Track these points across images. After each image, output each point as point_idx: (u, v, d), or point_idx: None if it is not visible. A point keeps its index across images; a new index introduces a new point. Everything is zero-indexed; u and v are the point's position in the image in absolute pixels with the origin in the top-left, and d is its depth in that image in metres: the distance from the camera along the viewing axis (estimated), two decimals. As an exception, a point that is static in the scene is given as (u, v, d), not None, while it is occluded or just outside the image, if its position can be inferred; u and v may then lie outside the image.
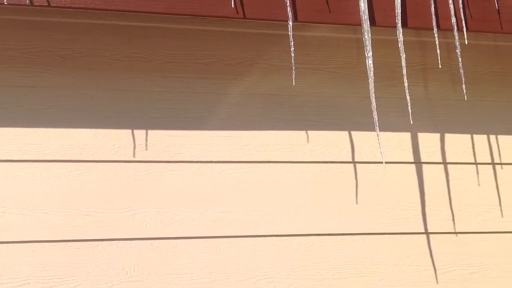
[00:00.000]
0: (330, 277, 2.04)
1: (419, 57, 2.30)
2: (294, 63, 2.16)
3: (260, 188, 2.08)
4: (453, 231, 2.15)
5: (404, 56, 2.03)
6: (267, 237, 2.03)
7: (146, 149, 2.00)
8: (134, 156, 1.99)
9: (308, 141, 2.16)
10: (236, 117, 2.11)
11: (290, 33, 1.94)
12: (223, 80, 2.13)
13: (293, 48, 1.95)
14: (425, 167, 2.21)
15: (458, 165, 2.23)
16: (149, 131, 2.02)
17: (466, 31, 2.06)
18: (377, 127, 1.98)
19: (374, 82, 2.22)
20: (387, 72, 2.25)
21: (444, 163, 2.23)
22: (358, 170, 2.17)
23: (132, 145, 2.00)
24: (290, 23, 1.93)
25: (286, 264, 2.02)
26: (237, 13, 1.90)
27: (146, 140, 2.01)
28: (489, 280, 2.11)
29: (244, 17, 1.92)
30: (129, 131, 2.00)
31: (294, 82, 1.98)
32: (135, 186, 1.97)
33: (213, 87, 2.12)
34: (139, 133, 2.01)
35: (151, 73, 2.06)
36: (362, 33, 1.99)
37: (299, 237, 2.06)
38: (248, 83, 2.16)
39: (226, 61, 2.15)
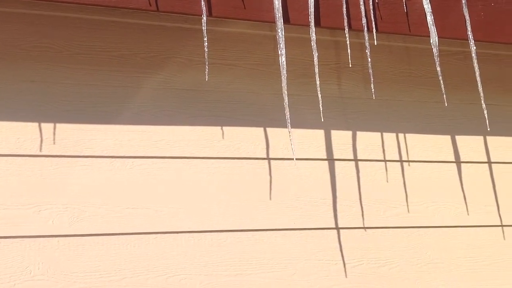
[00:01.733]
0: (243, 273, 2.05)
1: (333, 56, 2.35)
2: (210, 58, 2.16)
3: (173, 184, 2.05)
4: (362, 226, 2.21)
5: (317, 54, 2.07)
6: (179, 234, 2.01)
7: (54, 143, 1.93)
8: (40, 150, 1.91)
9: (223, 137, 2.16)
10: (150, 111, 2.08)
11: (204, 28, 1.93)
12: (137, 73, 2.09)
13: (206, 43, 1.94)
14: (337, 163, 2.26)
15: (368, 162, 2.30)
16: (58, 125, 1.95)
17: (376, 32, 2.12)
18: (289, 124, 2.01)
19: (290, 79, 2.25)
20: (302, 70, 2.29)
21: (355, 160, 2.29)
22: (272, 167, 2.19)
23: (39, 139, 1.92)
24: (204, 18, 1.92)
25: (198, 260, 2.01)
26: (150, 5, 1.87)
27: (54, 133, 1.94)
28: (396, 274, 2.19)
29: (158, 10, 1.89)
30: (36, 124, 1.92)
31: (207, 77, 1.97)
32: (41, 181, 1.90)
33: (126, 81, 2.07)
34: (47, 126, 1.94)
35: (62, 64, 1.99)
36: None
37: (212, 233, 2.05)
38: (163, 77, 2.13)
39: (140, 54, 2.11)
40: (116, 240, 1.94)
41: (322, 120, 2.12)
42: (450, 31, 2.21)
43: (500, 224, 2.35)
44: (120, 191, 1.98)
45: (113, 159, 2.00)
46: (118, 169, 1.99)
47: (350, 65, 2.19)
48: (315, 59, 2.08)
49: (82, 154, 1.96)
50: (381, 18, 2.14)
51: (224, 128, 2.16)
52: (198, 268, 2.01)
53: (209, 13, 1.94)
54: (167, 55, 2.15)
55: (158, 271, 1.96)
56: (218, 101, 2.18)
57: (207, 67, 1.95)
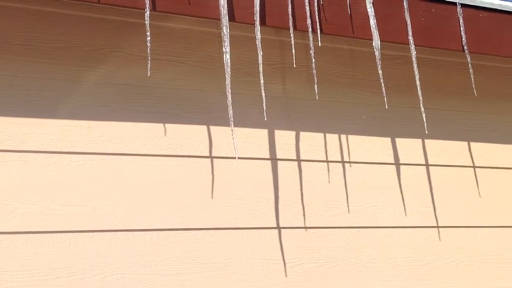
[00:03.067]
0: (183, 272, 2.02)
1: (278, 56, 2.36)
2: (154, 54, 2.14)
3: (112, 181, 2.00)
4: (304, 226, 2.22)
5: (261, 53, 2.07)
6: (117, 232, 1.97)
7: (-14, 137, 1.85)
8: (-29, 144, 1.83)
9: (165, 134, 2.12)
10: (90, 106, 2.02)
11: (147, 22, 1.89)
12: (77, 67, 2.03)
13: (149, 38, 1.91)
14: (280, 163, 2.26)
15: (311, 162, 2.31)
16: (-9, 118, 1.87)
17: (320, 33, 2.14)
18: (232, 123, 2.00)
19: (234, 78, 2.24)
20: (247, 68, 2.28)
21: (298, 160, 2.30)
22: (215, 165, 2.17)
23: (-30, 132, 1.83)
24: (147, 12, 1.89)
25: (137, 259, 1.97)
26: (91, -4, 1.82)
27: (-13, 127, 1.86)
28: (335, 273, 2.21)
29: (99, 2, 1.85)
30: (-33, 116, 1.84)
31: (149, 72, 1.93)
32: (-29, 176, 1.82)
33: (66, 74, 2.01)
34: (-21, 119, 1.85)
35: (0, 55, 1.91)
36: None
37: (152, 232, 2.01)
38: (105, 71, 2.08)
39: (82, 47, 2.05)
40: (51, 238, 1.88)
41: (266, 119, 2.13)
42: (392, 35, 2.25)
43: (436, 225, 2.41)
44: (56, 187, 1.92)
45: (49, 154, 1.93)
46: (54, 165, 1.93)
47: (295, 65, 2.21)
48: (260, 58, 2.08)
49: (16, 149, 1.89)
50: (325, 20, 2.16)
51: (166, 125, 2.13)
52: (137, 267, 1.96)
53: (153, 7, 1.91)
54: (109, 49, 2.09)
55: (95, 270, 1.90)
56: (161, 97, 2.15)
57: (149, 62, 1.92)
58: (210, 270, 2.06)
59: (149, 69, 1.92)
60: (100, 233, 1.94)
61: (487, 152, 2.58)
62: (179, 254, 2.03)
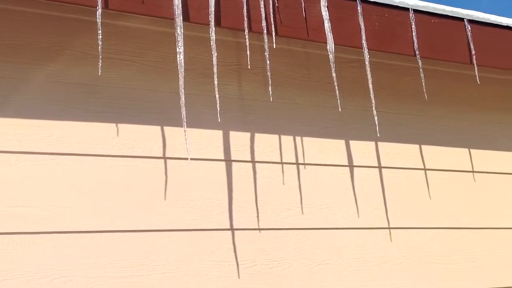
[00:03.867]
0: (133, 275, 1.99)
1: (234, 57, 2.36)
2: (107, 53, 2.11)
3: (62, 182, 1.96)
4: (257, 227, 2.22)
5: (216, 54, 2.07)
6: (66, 234, 1.92)
7: None
8: None
9: (117, 135, 2.09)
10: (39, 105, 1.98)
11: (99, 21, 1.86)
12: (27, 64, 1.99)
13: (101, 37, 1.88)
14: (234, 164, 2.26)
15: (266, 164, 2.32)
16: None
17: (275, 35, 2.15)
18: (185, 123, 1.99)
19: (190, 78, 2.23)
20: (203, 69, 2.27)
21: (253, 161, 2.30)
22: (168, 166, 2.15)
23: None
24: (99, 10, 1.85)
25: (86, 262, 1.93)
26: (42, -7, 1.78)
27: None
28: (288, 274, 2.22)
29: (50, -1, 1.81)
30: None
31: (100, 71, 1.90)
32: None
33: (15, 72, 1.96)
34: None
35: None
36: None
37: (102, 234, 1.98)
38: (56, 69, 2.03)
39: (32, 44, 2.01)
40: (-4, 240, 1.83)
41: (219, 120, 2.12)
42: (346, 39, 2.28)
43: (388, 226, 2.45)
44: (3, 188, 1.86)
45: (-4, 154, 1.88)
46: (1, 165, 1.88)
47: (249, 67, 2.21)
48: (214, 59, 2.07)
49: (-40, 148, 1.83)
50: (281, 22, 2.17)
51: (119, 125, 2.10)
52: (86, 270, 1.93)
53: (105, 6, 1.88)
54: (60, 47, 2.05)
55: (42, 272, 1.86)
56: (113, 97, 2.11)
57: (100, 61, 1.89)
58: (161, 272, 2.03)
59: (99, 68, 1.89)
60: (48, 234, 1.90)
61: (437, 155, 2.64)
62: (129, 256, 2.00)
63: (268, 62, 2.16)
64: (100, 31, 1.89)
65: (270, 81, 2.17)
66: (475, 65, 2.46)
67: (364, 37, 2.28)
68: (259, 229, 2.23)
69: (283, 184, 2.32)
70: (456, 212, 2.60)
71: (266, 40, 2.13)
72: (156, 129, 2.16)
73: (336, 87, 2.26)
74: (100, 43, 1.88)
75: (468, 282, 2.52)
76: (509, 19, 2.59)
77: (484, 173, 2.71)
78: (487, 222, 2.65)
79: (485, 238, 2.62)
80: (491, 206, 2.68)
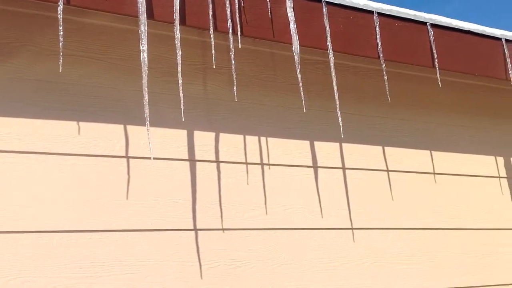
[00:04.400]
0: (93, 275, 1.96)
1: (200, 56, 2.34)
2: (70, 50, 2.08)
3: (21, 181, 1.92)
4: (221, 227, 2.21)
5: (180, 53, 2.05)
6: (24, 234, 1.88)
7: None
8: None
9: (79, 133, 2.05)
10: (-2, 101, 1.93)
11: (60, 16, 1.83)
12: (-15, 60, 1.93)
13: (62, 33, 1.85)
14: (198, 164, 2.24)
15: (230, 164, 2.31)
16: None
17: (241, 35, 2.15)
18: (148, 122, 1.97)
19: (154, 77, 2.21)
20: (168, 68, 2.25)
21: (217, 161, 2.29)
22: (131, 165, 2.12)
23: None
24: (61, 5, 1.82)
25: (44, 262, 1.89)
26: (1, -13, 1.73)
27: None
28: (251, 275, 2.22)
29: (9, -7, 1.76)
30: None
31: (61, 68, 1.87)
32: None
33: (-28, 67, 1.91)
34: None
35: None
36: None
37: (62, 234, 1.94)
38: (15, 66, 1.99)
39: (-10, 40, 1.95)
40: (-50, 240, 1.77)
41: (183, 119, 2.10)
42: (312, 40, 2.29)
43: (351, 227, 2.47)
44: (-42, 186, 1.81)
45: (-49, 151, 1.82)
46: (-44, 163, 1.82)
47: (214, 66, 2.20)
48: (179, 57, 2.05)
49: None
50: (246, 22, 2.16)
51: (80, 123, 2.06)
52: (43, 270, 1.89)
53: (67, 1, 1.84)
54: (20, 43, 2.01)
55: (-2, 273, 1.81)
56: (75, 94, 2.08)
57: (61, 57, 1.85)
58: (122, 273, 2.00)
59: (60, 65, 1.85)
60: (5, 234, 1.85)
61: (400, 156, 2.67)
62: (90, 257, 1.97)
63: (233, 62, 2.15)
64: (61, 27, 1.85)
65: (235, 81, 2.17)
66: (437, 68, 2.50)
67: (329, 39, 2.29)
68: (223, 230, 2.22)
69: (248, 184, 2.32)
70: (417, 213, 2.64)
71: (231, 40, 2.12)
72: (119, 127, 2.13)
73: (301, 88, 2.27)
74: (61, 39, 1.85)
75: (428, 282, 2.56)
76: (470, 24, 2.64)
77: (445, 174, 2.76)
78: (447, 223, 2.70)
79: (445, 239, 2.67)
80: (451, 208, 2.73)
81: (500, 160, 2.93)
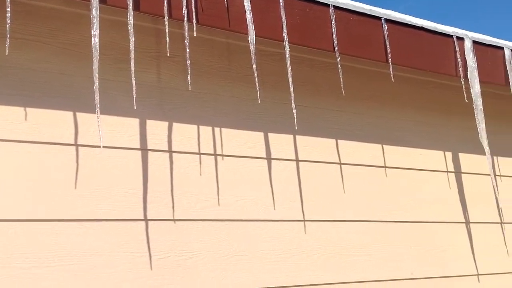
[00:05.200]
0: (39, 265, 1.90)
1: (154, 44, 2.30)
2: (18, 33, 2.01)
3: (-38, 167, 1.84)
4: (172, 218, 2.19)
5: (133, 39, 2.01)
6: (-35, 222, 1.81)
7: None
8: None
9: (26, 119, 1.99)
10: None
11: (7, -2, 1.76)
12: None
13: (9, 15, 1.78)
14: (150, 154, 2.21)
15: (183, 154, 2.28)
16: None
17: (196, 23, 2.12)
18: (98, 109, 1.92)
19: (107, 64, 2.16)
20: (121, 55, 2.20)
21: (170, 151, 2.26)
22: (80, 153, 2.07)
23: None
24: (8, -14, 1.75)
25: (-13, 252, 1.82)
26: None
27: None
28: (202, 266, 2.20)
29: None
30: None
31: (7, 51, 1.79)
32: None
33: None
34: None
35: None
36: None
37: (6, 223, 1.88)
38: (-42, 47, 1.90)
39: None
40: None
41: (135, 107, 2.06)
42: (268, 31, 2.28)
43: (303, 219, 2.48)
44: None
45: None
46: None
47: (168, 54, 2.16)
48: (132, 44, 2.01)
49: None
50: (202, 10, 2.13)
51: (27, 109, 1.99)
52: (-14, 261, 1.82)
53: (15, -18, 1.77)
54: (-36, 23, 1.92)
55: None
56: (23, 79, 2.01)
57: (8, 40, 1.78)
58: (70, 263, 1.95)
59: (7, 48, 1.78)
60: None
61: (353, 149, 2.70)
62: (35, 247, 1.91)
63: (188, 50, 2.12)
64: (9, 9, 1.78)
65: (189, 70, 2.14)
66: (390, 63, 2.54)
67: (285, 30, 2.29)
68: (174, 220, 2.19)
69: (200, 175, 2.30)
70: (368, 206, 2.67)
71: (186, 28, 2.09)
72: (68, 114, 2.08)
73: (256, 79, 2.26)
74: (8, 21, 1.77)
75: (378, 273, 2.60)
76: (424, 20, 2.69)
77: (396, 168, 2.80)
78: (397, 216, 2.74)
79: (395, 231, 2.72)
80: (401, 201, 2.78)
81: (449, 155, 3.00)
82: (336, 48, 2.40)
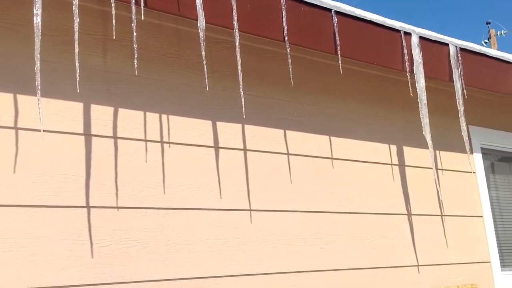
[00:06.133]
0: (-27, 253, 1.82)
1: (100, 26, 2.24)
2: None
3: None
4: (116, 205, 2.14)
5: (78, 20, 1.95)
6: None
7: None
8: None
9: (-39, 100, 1.90)
10: None
11: None
12: None
13: None
14: (94, 139, 2.15)
15: (128, 140, 2.23)
16: None
17: (144, 6, 2.07)
18: (39, 91, 1.86)
19: (50, 45, 2.09)
20: (65, 36, 2.13)
21: (115, 137, 2.21)
22: (20, 137, 1.99)
23: None
24: None
25: None
26: None
27: None
28: (144, 254, 2.15)
29: None
30: None
31: None
32: None
33: None
34: None
35: None
36: (33, -12, 1.82)
37: None
38: None
39: None
40: None
41: (78, 91, 2.00)
42: (218, 17, 2.26)
43: (249, 208, 2.47)
44: None
45: None
46: None
47: (114, 37, 2.11)
48: (76, 25, 1.95)
49: None
50: (150, -7, 2.09)
51: (-37, 89, 1.90)
52: None
53: (-50, -46, 1.68)
54: None
55: None
56: (-41, 58, 1.91)
57: None
58: (7, 250, 1.88)
59: None
60: None
61: (301, 140, 2.71)
62: (-30, 233, 1.83)
63: (135, 34, 2.07)
64: None
65: (136, 55, 2.09)
66: (339, 56, 2.56)
67: (235, 18, 2.27)
68: (118, 208, 2.14)
69: (146, 162, 2.26)
70: (314, 197, 2.69)
71: (134, 11, 2.04)
72: (7, 96, 2.00)
73: (205, 67, 2.24)
74: None
75: (321, 263, 2.63)
76: (372, 14, 2.72)
77: (342, 160, 2.84)
78: (342, 207, 2.78)
79: (339, 222, 2.75)
80: (346, 192, 2.82)
81: (393, 148, 3.06)
82: (286, 38, 2.40)
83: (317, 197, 2.70)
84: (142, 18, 2.06)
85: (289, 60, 2.44)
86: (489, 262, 3.29)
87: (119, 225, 2.13)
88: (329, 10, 2.56)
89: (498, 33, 13.43)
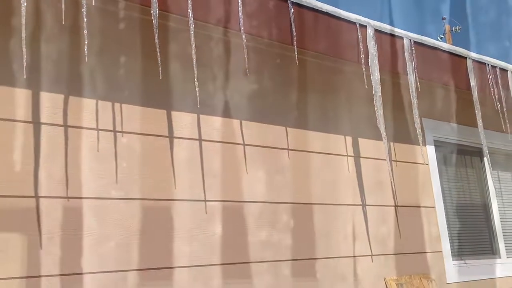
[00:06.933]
0: None
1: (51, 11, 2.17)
2: None
3: None
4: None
5: (26, 4, 1.88)
6: None
7: None
8: None
9: None
10: None
11: None
12: None
13: None
14: (43, 127, 2.09)
15: (79, 129, 2.18)
16: None
17: (95, -8, 2.02)
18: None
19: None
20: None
21: (65, 125, 2.14)
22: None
23: None
24: None
25: None
26: None
27: None
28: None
29: None
30: None
31: None
32: None
33: None
34: None
35: None
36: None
37: None
38: None
39: None
40: None
41: (25, 77, 1.93)
42: (171, 5, 2.22)
43: (204, 199, 2.45)
44: None
45: None
46: None
47: (63, 22, 2.05)
48: (23, 9, 1.88)
49: None
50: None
51: None
52: None
53: None
54: None
55: None
56: None
57: None
58: None
59: None
60: None
61: (256, 131, 2.69)
62: None
63: (85, 19, 2.01)
64: None
65: (86, 41, 2.03)
66: (295, 46, 2.55)
67: (190, 6, 2.23)
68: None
69: (98, 151, 2.20)
70: (270, 187, 2.68)
71: (84, -3, 1.98)
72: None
73: (159, 55, 2.20)
74: None
75: (273, 254, 2.63)
76: (329, 6, 2.72)
77: (298, 151, 2.83)
78: (298, 197, 2.77)
79: (294, 212, 2.75)
80: (302, 183, 2.81)
81: (349, 139, 3.08)
82: (241, 28, 2.38)
83: (272, 188, 2.69)
84: (93, 3, 2.00)
85: (245, 50, 2.41)
86: (441, 252, 3.35)
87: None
88: (286, 0, 2.55)
89: (453, 28, 13.73)
